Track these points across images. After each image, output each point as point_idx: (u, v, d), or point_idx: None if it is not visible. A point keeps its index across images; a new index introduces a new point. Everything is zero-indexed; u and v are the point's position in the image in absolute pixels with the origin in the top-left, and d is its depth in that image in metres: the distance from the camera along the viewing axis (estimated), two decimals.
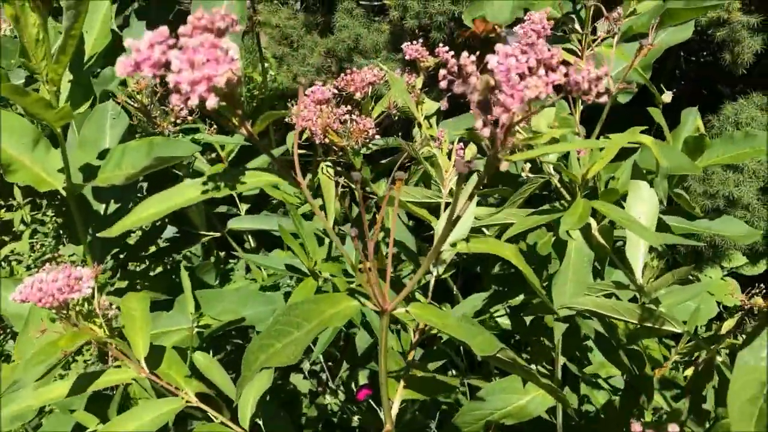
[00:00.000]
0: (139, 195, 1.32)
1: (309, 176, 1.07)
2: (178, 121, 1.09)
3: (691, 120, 0.98)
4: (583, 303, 0.74)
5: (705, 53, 1.96)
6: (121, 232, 0.46)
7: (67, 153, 0.96)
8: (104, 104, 1.10)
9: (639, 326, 0.75)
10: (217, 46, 0.38)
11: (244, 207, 1.36)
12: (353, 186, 0.57)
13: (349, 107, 0.85)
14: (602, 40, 0.86)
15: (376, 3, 1.87)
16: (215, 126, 1.16)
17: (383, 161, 1.07)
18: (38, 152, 0.99)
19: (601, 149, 0.76)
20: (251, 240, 1.40)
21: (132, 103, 1.06)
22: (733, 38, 1.51)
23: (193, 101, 0.37)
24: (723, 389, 0.81)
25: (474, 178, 0.65)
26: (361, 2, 1.83)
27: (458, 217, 0.46)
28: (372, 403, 1.26)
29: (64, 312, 0.62)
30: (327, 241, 1.04)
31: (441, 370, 1.00)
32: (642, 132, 0.77)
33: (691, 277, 1.37)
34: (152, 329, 0.95)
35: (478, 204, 0.91)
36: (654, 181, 0.86)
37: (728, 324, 0.84)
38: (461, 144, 0.83)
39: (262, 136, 1.54)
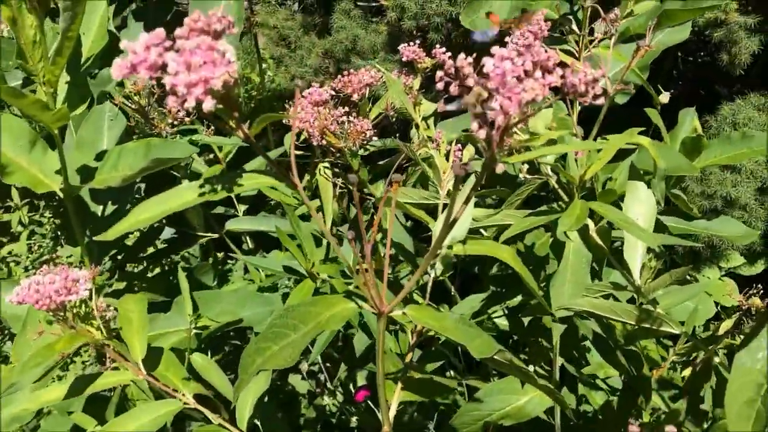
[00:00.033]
0: (136, 196, 1.32)
1: (307, 177, 1.07)
2: (176, 123, 1.09)
3: (689, 120, 0.98)
4: (580, 304, 0.74)
5: (702, 54, 1.96)
6: (113, 238, 0.45)
7: (64, 154, 0.96)
8: (101, 106, 1.10)
9: (637, 327, 0.75)
10: (214, 49, 0.38)
11: (242, 208, 1.35)
12: (351, 187, 0.57)
13: (346, 109, 0.85)
14: (599, 41, 0.86)
15: (373, 4, 1.87)
16: (213, 127, 1.16)
17: (381, 162, 1.07)
18: (35, 154, 0.99)
19: (599, 150, 0.76)
20: (249, 241, 1.40)
21: (129, 105, 1.06)
22: (731, 39, 1.51)
23: (190, 104, 0.37)
24: (721, 390, 0.81)
25: (472, 179, 0.65)
26: (358, 3, 1.83)
27: (455, 220, 0.46)
28: (370, 404, 1.26)
29: (61, 314, 0.62)
30: (325, 242, 1.04)
31: (439, 371, 1.00)
32: (640, 133, 0.77)
33: (689, 278, 1.37)
34: (150, 331, 0.95)
35: (476, 205, 0.91)
36: (651, 181, 0.86)
37: (726, 324, 0.84)
38: (459, 145, 0.83)
39: (260, 137, 1.54)
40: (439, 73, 0.42)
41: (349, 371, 1.33)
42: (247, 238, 1.39)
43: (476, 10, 1.00)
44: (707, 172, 1.54)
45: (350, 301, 0.53)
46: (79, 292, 0.61)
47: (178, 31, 0.39)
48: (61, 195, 0.98)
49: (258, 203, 1.41)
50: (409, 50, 0.93)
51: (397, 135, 1.11)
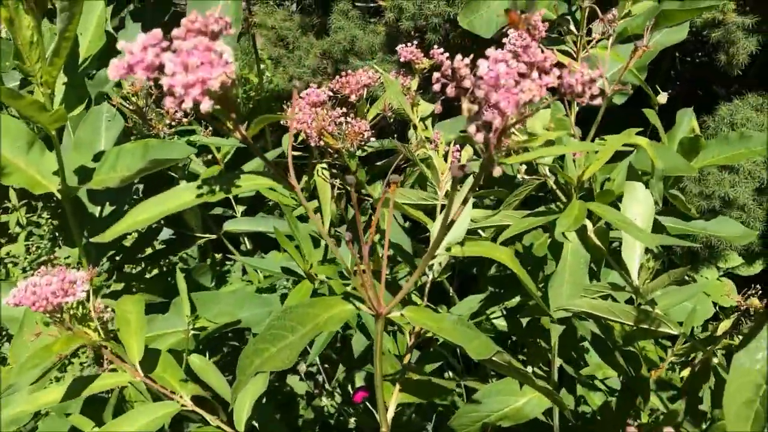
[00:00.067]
0: (134, 197, 1.32)
1: (305, 178, 1.06)
2: (174, 123, 1.09)
3: (687, 121, 0.98)
4: (579, 305, 0.74)
5: (700, 54, 1.97)
6: (114, 238, 0.45)
7: (62, 155, 0.96)
8: (99, 106, 1.09)
9: (635, 328, 0.75)
10: (211, 49, 0.38)
11: (240, 209, 1.35)
12: (348, 188, 0.57)
13: (344, 109, 0.85)
14: (597, 42, 0.86)
15: (371, 5, 1.87)
16: (211, 128, 1.16)
17: (379, 163, 1.07)
18: (33, 155, 0.99)
19: (597, 151, 0.76)
20: (247, 242, 1.39)
21: (127, 105, 1.06)
22: (728, 39, 1.51)
23: (187, 104, 0.36)
24: (719, 390, 0.81)
25: (469, 180, 0.65)
26: (356, 4, 1.83)
27: (453, 221, 0.45)
28: (368, 405, 1.26)
29: (58, 316, 0.61)
30: (323, 243, 1.04)
31: (437, 372, 1.00)
32: (637, 133, 0.77)
33: (687, 278, 1.37)
34: (148, 332, 0.95)
35: (475, 205, 0.91)
36: (650, 182, 0.86)
37: (724, 325, 0.84)
38: (457, 146, 0.83)
39: (258, 138, 1.54)
40: (436, 75, 0.42)
41: (348, 372, 1.33)
42: (245, 238, 1.39)
43: (474, 11, 1.00)
44: (705, 173, 1.54)
45: (348, 303, 0.53)
46: (76, 293, 0.61)
47: (175, 32, 0.39)
48: (59, 196, 0.98)
49: (256, 204, 1.41)
50: (406, 51, 0.93)
51: (395, 136, 1.12)
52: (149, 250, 1.47)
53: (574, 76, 0.39)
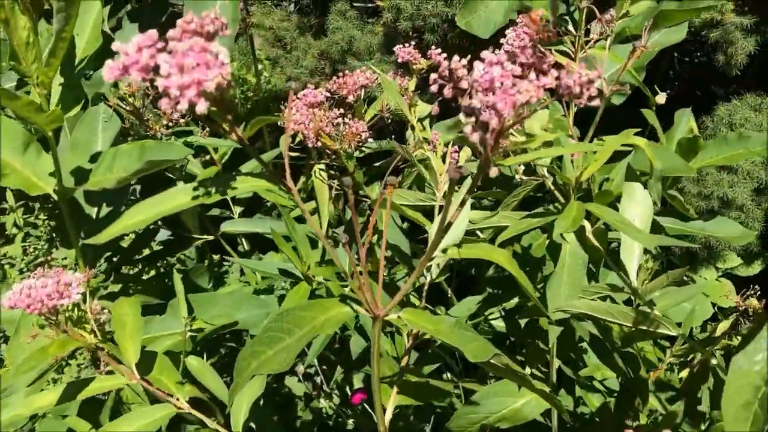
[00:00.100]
0: (132, 198, 1.31)
1: (302, 179, 1.06)
2: (171, 124, 1.09)
3: (685, 121, 0.98)
4: (577, 306, 0.73)
5: (699, 54, 1.96)
6: (108, 240, 0.45)
7: (58, 156, 0.95)
8: (96, 107, 1.09)
9: (633, 329, 0.75)
10: (207, 50, 0.37)
11: (237, 210, 1.35)
12: (346, 190, 0.57)
13: (341, 110, 0.85)
14: (595, 42, 0.86)
15: (369, 5, 1.87)
16: (208, 128, 1.16)
17: (377, 164, 1.07)
18: (29, 156, 0.99)
19: (595, 152, 0.76)
20: (245, 243, 1.39)
21: (124, 106, 1.05)
22: (727, 39, 1.51)
23: (183, 106, 0.36)
24: (718, 391, 0.81)
25: (467, 182, 0.65)
26: (354, 4, 1.82)
27: (450, 224, 0.45)
28: (366, 406, 1.25)
29: (54, 318, 0.61)
30: (321, 243, 1.04)
31: (436, 374, 1.00)
32: (636, 133, 0.77)
33: (686, 279, 1.37)
34: (145, 333, 0.95)
35: (473, 206, 0.91)
36: (648, 182, 0.86)
37: (723, 326, 0.83)
38: (455, 147, 0.83)
39: (256, 138, 1.54)
40: (433, 76, 0.42)
41: (346, 374, 1.33)
42: (243, 239, 1.39)
43: (472, 11, 1.00)
44: (704, 173, 1.54)
45: (345, 305, 0.52)
46: (71, 296, 0.61)
47: (170, 33, 0.38)
48: (55, 197, 0.98)
49: (254, 205, 1.41)
50: (404, 51, 0.93)
51: (393, 136, 1.11)
52: (147, 251, 1.46)
53: (572, 77, 0.38)
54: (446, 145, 0.82)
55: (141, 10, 1.40)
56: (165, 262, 1.61)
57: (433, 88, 0.41)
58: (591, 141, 0.82)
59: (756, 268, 1.72)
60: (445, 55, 0.53)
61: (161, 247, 1.41)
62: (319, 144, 0.84)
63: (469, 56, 0.41)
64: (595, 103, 0.39)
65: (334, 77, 0.90)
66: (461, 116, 0.40)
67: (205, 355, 1.17)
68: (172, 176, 1.24)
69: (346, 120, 0.84)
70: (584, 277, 0.78)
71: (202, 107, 0.36)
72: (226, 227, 1.18)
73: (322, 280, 0.94)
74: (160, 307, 1.06)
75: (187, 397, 0.74)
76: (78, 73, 1.02)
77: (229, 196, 0.56)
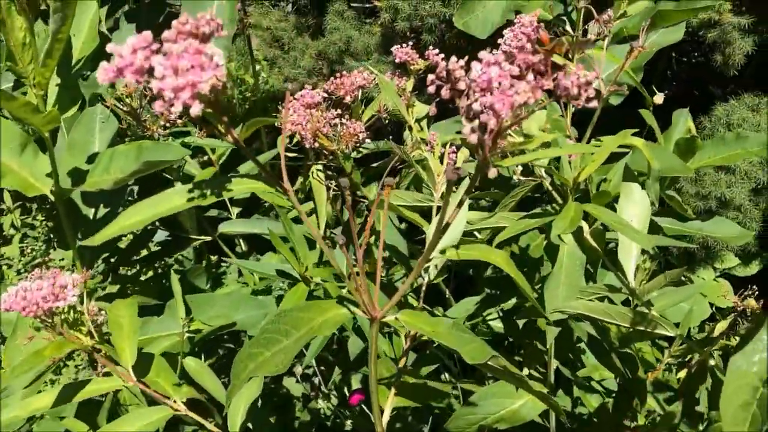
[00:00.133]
0: (129, 198, 1.31)
1: (300, 180, 1.06)
2: (168, 125, 1.08)
3: (683, 121, 0.98)
4: (575, 307, 0.73)
5: (696, 54, 1.96)
6: (105, 241, 0.45)
7: (55, 157, 0.95)
8: (93, 108, 1.09)
9: (631, 330, 0.75)
10: (202, 52, 0.37)
11: (235, 210, 1.35)
12: (343, 191, 0.57)
13: (339, 111, 0.84)
14: (593, 42, 0.86)
15: (367, 5, 1.86)
16: (205, 129, 1.15)
17: (375, 165, 1.07)
18: (26, 157, 0.99)
19: (593, 153, 0.76)
20: (243, 243, 1.39)
21: (121, 107, 1.05)
22: (725, 39, 1.51)
23: (177, 108, 0.36)
24: (716, 392, 0.81)
25: (465, 183, 0.65)
26: (352, 4, 1.82)
27: (448, 224, 0.45)
28: (364, 407, 1.25)
29: (49, 320, 0.61)
30: (319, 244, 1.03)
31: (434, 375, 1.00)
32: (634, 134, 0.77)
33: (683, 279, 1.37)
34: (143, 334, 0.95)
35: (470, 207, 0.91)
36: (646, 183, 0.86)
37: (721, 326, 0.83)
38: (453, 147, 0.83)
39: (254, 139, 1.54)
40: (431, 77, 0.41)
41: (344, 374, 1.33)
42: (241, 240, 1.38)
43: (470, 12, 0.99)
44: (701, 173, 1.54)
45: (342, 307, 0.52)
46: (66, 298, 0.60)
47: (165, 34, 0.38)
48: (52, 198, 0.98)
49: (252, 205, 1.40)
50: (401, 52, 0.93)
51: (391, 137, 1.11)
52: (144, 252, 1.46)
53: (570, 78, 0.38)
54: (444, 145, 0.82)
55: (138, 10, 1.40)
56: (163, 262, 1.61)
57: (431, 89, 0.41)
58: (589, 141, 0.82)
59: (754, 268, 1.72)
60: (442, 55, 0.53)
61: (159, 247, 1.40)
62: (317, 145, 0.84)
63: (466, 57, 0.41)
64: (593, 104, 0.39)
65: (332, 78, 0.89)
66: (462, 118, 0.40)
67: (203, 356, 1.16)
68: (169, 177, 1.24)
69: (344, 121, 0.84)
70: (582, 277, 0.77)
71: (196, 109, 0.36)
72: (223, 228, 1.18)
73: (319, 281, 0.94)
74: (158, 308, 1.06)
75: (184, 398, 0.74)
76: (75, 73, 1.02)
77: (227, 197, 0.55)
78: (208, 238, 1.30)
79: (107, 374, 0.73)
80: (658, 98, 0.89)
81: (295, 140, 0.86)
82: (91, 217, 1.12)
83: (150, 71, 0.37)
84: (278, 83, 1.90)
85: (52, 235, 1.98)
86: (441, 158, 0.81)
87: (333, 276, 0.95)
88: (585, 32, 0.88)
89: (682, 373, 0.87)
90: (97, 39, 1.03)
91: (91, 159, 1.03)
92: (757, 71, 1.73)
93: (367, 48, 1.72)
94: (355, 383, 1.31)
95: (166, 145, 0.97)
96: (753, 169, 1.52)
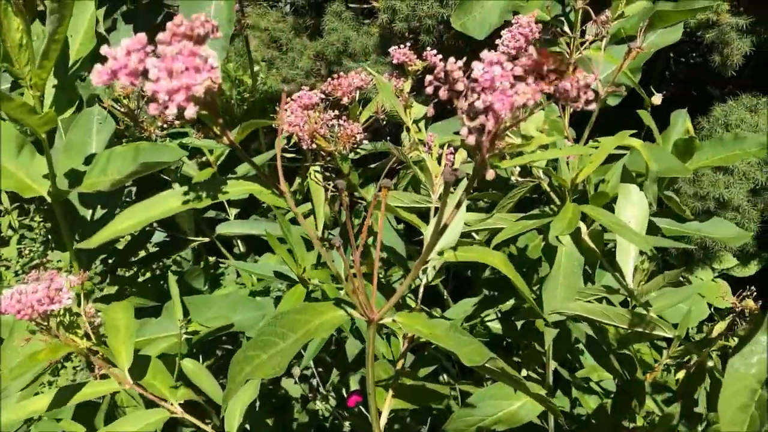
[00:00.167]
0: (127, 200, 1.31)
1: (298, 181, 1.06)
2: (166, 126, 1.08)
3: (681, 122, 0.98)
4: (573, 308, 0.73)
5: (694, 55, 1.96)
6: (100, 244, 0.45)
7: (52, 158, 0.95)
8: (90, 109, 1.08)
9: (629, 331, 0.74)
10: (196, 54, 0.37)
11: (233, 211, 1.34)
12: (340, 192, 0.57)
13: (336, 112, 0.84)
14: (591, 43, 0.86)
15: (365, 6, 1.86)
16: (202, 131, 1.15)
17: (373, 165, 1.07)
18: (23, 158, 0.98)
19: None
20: (240, 244, 1.39)
21: (118, 108, 1.05)
22: (722, 40, 1.51)
23: (171, 111, 0.36)
24: (715, 392, 0.81)
25: (462, 184, 0.64)
26: (350, 5, 1.82)
27: (445, 226, 0.45)
28: (363, 409, 1.25)
29: (45, 324, 0.61)
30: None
31: (432, 376, 1.00)
32: (632, 134, 0.77)
33: (682, 279, 1.37)
34: (140, 336, 0.95)
35: (468, 208, 0.91)
36: (644, 184, 0.86)
37: (719, 327, 0.83)
38: (451, 148, 0.83)
39: (252, 140, 1.53)
40: (429, 77, 0.41)
41: (342, 376, 1.33)
42: (239, 241, 1.38)
43: (467, 12, 0.99)
44: (700, 174, 1.54)
45: (339, 309, 0.52)
46: (62, 300, 0.60)
47: (160, 36, 0.38)
48: (49, 199, 0.97)
49: (250, 206, 1.40)
50: (399, 53, 0.92)
51: (389, 138, 1.11)
52: (143, 253, 1.46)
53: (569, 80, 0.38)
54: (441, 146, 0.81)
55: (136, 11, 1.40)
56: (161, 264, 1.61)
57: (429, 90, 0.41)
58: (587, 142, 0.82)
59: (752, 268, 1.72)
60: (440, 56, 0.52)
61: (157, 249, 1.40)
62: (314, 146, 0.84)
63: (465, 58, 0.41)
64: (592, 107, 0.39)
65: (329, 79, 0.89)
66: (460, 119, 0.39)
67: (201, 358, 1.16)
68: (167, 178, 1.24)
69: (341, 122, 0.84)
70: (580, 279, 0.77)
71: (191, 112, 0.36)
72: (221, 229, 1.18)
73: (317, 283, 0.94)
74: (156, 310, 1.06)
75: (181, 400, 0.73)
76: (72, 74, 1.02)
77: (221, 200, 0.55)
78: (206, 240, 1.30)
79: (104, 376, 0.73)
80: (657, 99, 0.89)
81: (293, 141, 0.86)
82: (89, 218, 1.11)
83: (144, 73, 0.36)
84: (276, 84, 1.90)
85: (49, 237, 1.98)
86: (439, 159, 0.81)
87: (331, 277, 0.94)
88: (583, 33, 0.87)
89: (681, 374, 0.86)
90: (94, 40, 1.02)
91: (89, 160, 1.03)
92: (756, 72, 1.73)
93: (365, 49, 1.72)
94: (354, 384, 1.30)
95: (163, 147, 0.97)
96: (751, 169, 1.52)
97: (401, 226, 1.10)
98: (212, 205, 1.35)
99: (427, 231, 0.72)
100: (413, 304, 0.87)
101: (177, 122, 1.08)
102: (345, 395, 1.31)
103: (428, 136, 0.84)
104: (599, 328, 0.88)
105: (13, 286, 0.62)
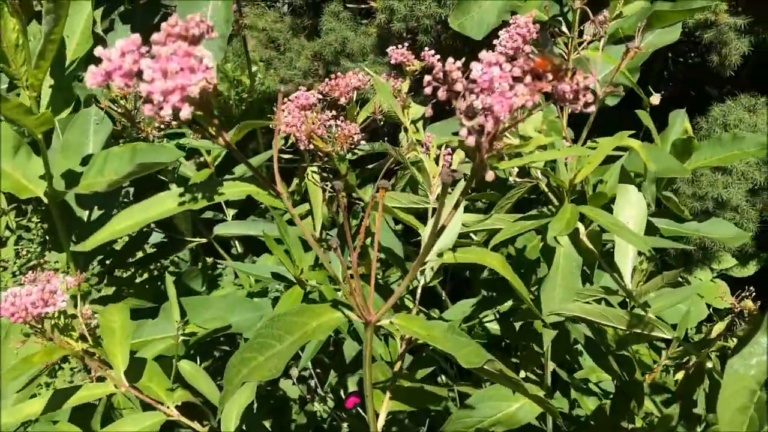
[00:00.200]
0: (125, 200, 1.30)
1: (296, 182, 1.05)
2: (163, 126, 1.08)
3: (679, 122, 0.98)
4: (571, 309, 0.73)
5: (693, 55, 1.96)
6: (96, 246, 0.44)
7: (49, 159, 0.95)
8: (87, 109, 1.08)
9: (628, 332, 0.74)
10: (191, 55, 0.37)
11: (230, 212, 1.34)
12: (337, 193, 0.56)
13: (334, 112, 0.84)
14: (589, 43, 0.86)
15: (363, 6, 1.86)
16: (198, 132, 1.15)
17: (370, 166, 1.06)
18: (19, 159, 0.98)
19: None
20: (238, 245, 1.38)
21: (115, 108, 1.04)
22: (721, 40, 1.51)
23: (166, 112, 0.35)
24: (714, 393, 0.80)
25: (460, 185, 0.64)
26: (348, 5, 1.81)
27: (443, 227, 0.45)
28: (361, 410, 1.25)
29: (39, 327, 0.60)
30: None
31: (430, 377, 0.99)
32: (630, 135, 0.76)
33: (680, 280, 1.37)
34: (137, 337, 0.94)
35: (466, 208, 0.90)
36: (642, 184, 0.85)
37: (718, 327, 0.83)
38: (449, 149, 0.83)
39: (250, 140, 1.53)
40: (427, 78, 0.41)
41: (340, 377, 1.32)
42: (236, 242, 1.38)
43: (465, 12, 0.99)
44: (698, 174, 1.54)
45: (337, 311, 0.52)
46: (56, 303, 0.60)
47: (154, 37, 0.37)
48: (46, 200, 0.97)
49: (248, 206, 1.40)
50: (397, 53, 0.92)
51: (386, 138, 1.11)
52: (140, 254, 1.45)
53: (568, 82, 0.38)
54: (439, 147, 0.81)
55: (133, 11, 1.39)
56: (159, 264, 1.60)
57: (427, 91, 0.41)
58: (585, 143, 0.82)
59: (751, 268, 1.72)
60: (438, 56, 0.52)
61: (155, 249, 1.40)
62: (311, 146, 0.83)
63: (463, 58, 0.41)
64: (591, 109, 0.38)
65: (326, 79, 0.89)
66: (459, 119, 0.39)
67: (198, 359, 1.16)
68: (164, 179, 1.23)
69: (338, 122, 0.84)
70: (578, 279, 0.77)
71: (186, 112, 0.36)
72: (218, 230, 1.17)
73: (315, 284, 0.93)
74: (153, 311, 1.05)
75: (178, 402, 0.73)
76: (69, 75, 1.01)
77: (219, 201, 0.55)
78: (204, 241, 1.30)
79: (101, 379, 0.72)
80: (655, 99, 0.89)
81: (290, 142, 0.85)
82: (86, 219, 1.11)
83: (139, 74, 0.36)
84: (274, 84, 1.90)
85: (47, 237, 1.97)
86: (437, 160, 0.80)
87: (328, 279, 0.94)
88: (581, 33, 0.87)
89: (680, 375, 0.86)
90: (91, 40, 1.02)
91: (85, 161, 1.03)
92: (754, 72, 1.73)
93: (362, 49, 1.71)
94: (352, 385, 1.30)
95: (160, 147, 0.97)
96: (750, 169, 1.52)
97: (399, 227, 1.10)
98: (210, 205, 1.35)
99: (425, 232, 0.71)
100: (411, 305, 0.86)
101: (174, 123, 1.08)
102: (343, 396, 1.30)
103: (426, 137, 0.84)
104: (598, 329, 0.88)
105: (10, 287, 0.62)
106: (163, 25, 0.37)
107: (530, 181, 0.83)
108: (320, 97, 0.84)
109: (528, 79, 0.38)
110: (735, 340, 0.79)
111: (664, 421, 0.86)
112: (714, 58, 1.55)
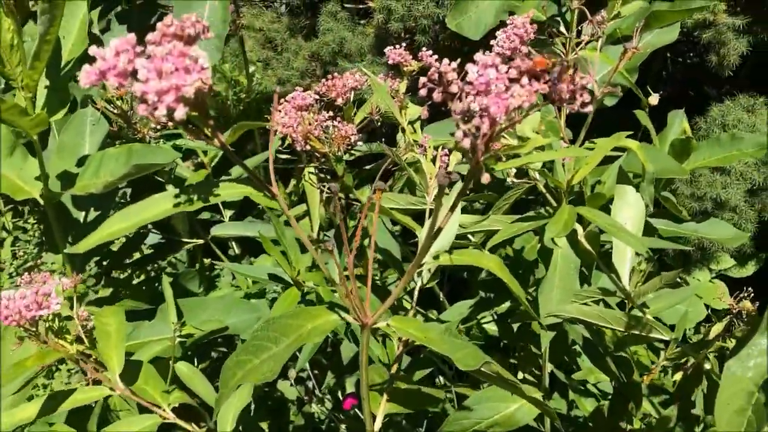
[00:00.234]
0: (122, 201, 1.30)
1: (293, 182, 1.05)
2: (159, 127, 1.07)
3: (678, 122, 0.98)
4: (569, 311, 0.73)
5: (691, 55, 1.96)
6: (90, 248, 0.44)
7: (44, 160, 0.94)
8: (83, 110, 1.08)
9: (626, 333, 0.74)
10: (186, 55, 0.36)
11: (228, 213, 1.34)
12: (333, 195, 0.56)
13: (331, 113, 0.84)
14: (587, 44, 0.85)
15: (360, 6, 1.86)
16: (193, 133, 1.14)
17: (368, 167, 1.06)
18: (15, 160, 0.98)
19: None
20: (236, 246, 1.38)
21: (111, 109, 1.04)
22: (719, 40, 1.51)
23: (161, 112, 0.35)
24: (712, 394, 0.80)
25: (457, 186, 0.64)
26: (345, 5, 1.81)
27: (439, 229, 0.44)
28: (358, 412, 1.24)
29: (33, 330, 0.60)
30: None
31: (427, 379, 0.99)
32: (629, 135, 0.76)
33: (679, 280, 1.36)
34: (134, 339, 0.94)
35: (464, 209, 0.90)
36: (640, 185, 0.85)
37: (716, 328, 0.83)
38: (446, 150, 0.82)
39: (247, 141, 1.53)
40: (422, 79, 0.41)
41: (338, 378, 1.32)
42: (234, 243, 1.37)
43: (463, 12, 0.99)
44: (697, 174, 1.54)
45: (333, 313, 0.51)
46: (50, 306, 0.59)
47: (149, 36, 0.37)
48: (42, 201, 0.97)
49: (245, 207, 1.39)
50: (395, 53, 0.92)
51: (384, 139, 1.10)
52: (137, 255, 1.45)
53: (565, 82, 0.37)
54: (436, 148, 0.81)
55: (130, 11, 1.39)
56: (156, 265, 1.60)
57: (422, 92, 0.41)
58: (583, 143, 0.81)
59: (749, 269, 1.72)
60: (436, 56, 0.52)
61: (152, 250, 1.39)
62: (308, 147, 0.83)
63: (459, 59, 0.40)
64: (588, 109, 0.38)
65: (324, 79, 0.88)
66: (457, 120, 0.39)
67: (195, 360, 1.15)
68: (161, 180, 1.23)
69: (335, 123, 0.83)
70: (576, 281, 0.77)
71: (180, 113, 0.35)
72: (215, 231, 1.17)
73: (312, 285, 0.93)
74: (150, 312, 1.05)
75: (175, 404, 0.73)
76: (64, 75, 1.01)
77: (215, 202, 0.55)
78: (201, 241, 1.29)
79: (97, 381, 0.72)
80: (653, 99, 0.89)
81: (287, 143, 0.85)
82: (82, 220, 1.11)
83: (134, 74, 0.36)
84: (271, 84, 1.90)
85: (44, 238, 1.97)
86: (434, 161, 0.80)
87: (325, 280, 0.94)
88: (579, 33, 0.87)
89: (678, 376, 0.86)
90: (86, 41, 1.01)
91: (81, 162, 1.02)
92: (753, 72, 1.73)
93: (360, 49, 1.71)
94: (349, 387, 1.30)
95: (156, 148, 0.96)
96: (748, 170, 1.52)
97: (397, 228, 1.10)
98: (207, 206, 1.34)
99: (422, 234, 0.71)
100: (409, 307, 0.86)
101: (170, 123, 1.07)
102: (341, 398, 1.30)
103: (423, 138, 0.84)
104: (596, 331, 0.87)
105: (6, 288, 0.61)
106: (159, 24, 0.37)
107: (528, 182, 0.83)
108: (317, 97, 0.84)
109: (525, 79, 0.38)
110: (733, 341, 0.79)
111: (662, 422, 0.86)
112: (713, 58, 1.55)
